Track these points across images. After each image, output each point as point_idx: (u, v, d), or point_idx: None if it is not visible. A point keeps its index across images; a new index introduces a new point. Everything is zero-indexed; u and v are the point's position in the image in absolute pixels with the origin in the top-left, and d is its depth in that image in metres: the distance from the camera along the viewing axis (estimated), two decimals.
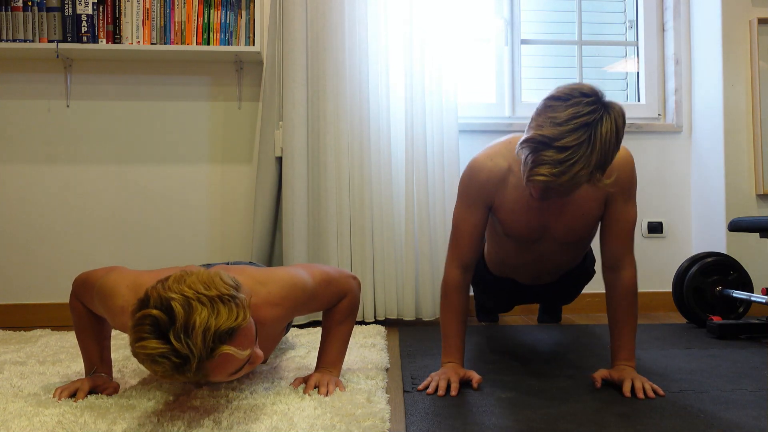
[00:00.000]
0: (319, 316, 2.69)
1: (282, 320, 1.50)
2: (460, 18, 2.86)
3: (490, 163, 1.65)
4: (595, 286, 2.09)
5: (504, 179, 1.65)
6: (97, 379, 1.55)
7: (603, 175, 1.39)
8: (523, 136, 1.39)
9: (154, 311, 1.12)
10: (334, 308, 1.64)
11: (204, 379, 1.19)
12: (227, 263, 1.70)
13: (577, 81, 1.45)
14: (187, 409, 1.42)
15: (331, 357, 1.64)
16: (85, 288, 1.53)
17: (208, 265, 1.62)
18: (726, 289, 2.51)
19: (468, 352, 2.06)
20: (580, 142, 1.31)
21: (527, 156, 1.37)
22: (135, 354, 1.14)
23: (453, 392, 1.56)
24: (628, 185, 1.64)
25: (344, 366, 1.77)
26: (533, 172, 1.35)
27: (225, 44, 2.70)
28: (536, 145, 1.34)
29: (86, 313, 1.57)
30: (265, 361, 1.84)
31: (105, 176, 2.84)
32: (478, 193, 1.67)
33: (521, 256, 1.92)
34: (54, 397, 1.51)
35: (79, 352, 2.04)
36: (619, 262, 1.66)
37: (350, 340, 1.85)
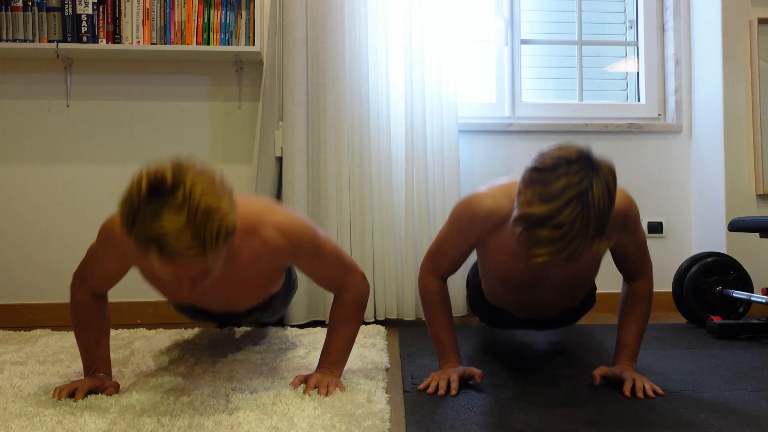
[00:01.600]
0: (320, 315, 2.69)
1: (283, 255, 1.51)
2: (460, 18, 2.86)
3: (491, 202, 1.58)
4: (596, 285, 2.09)
5: (502, 223, 1.58)
6: (97, 379, 1.55)
7: (602, 239, 1.32)
8: (515, 212, 1.33)
9: (170, 175, 1.17)
10: (340, 300, 1.64)
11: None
12: None
13: (565, 143, 1.34)
14: (187, 409, 1.42)
15: (333, 357, 1.63)
16: (83, 266, 1.57)
17: None
18: (726, 289, 2.51)
19: (467, 352, 2.06)
20: (575, 216, 1.24)
21: (521, 233, 1.31)
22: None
23: (453, 392, 1.56)
24: (632, 227, 1.62)
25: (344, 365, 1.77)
26: (532, 253, 1.30)
27: (225, 44, 2.70)
28: (529, 224, 1.28)
29: (89, 303, 1.58)
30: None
31: (105, 176, 2.84)
32: (472, 228, 1.62)
33: (515, 299, 1.86)
34: (53, 397, 1.51)
35: (79, 352, 2.04)
36: (636, 275, 1.70)
37: None
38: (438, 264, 1.71)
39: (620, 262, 1.70)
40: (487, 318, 2.17)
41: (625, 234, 1.61)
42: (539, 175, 1.30)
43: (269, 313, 2.01)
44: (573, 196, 1.25)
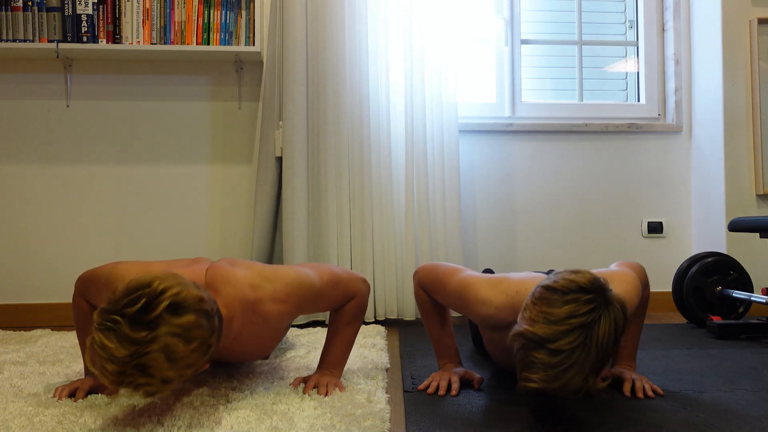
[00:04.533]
0: (320, 316, 2.69)
1: (286, 317, 1.50)
2: (460, 18, 2.86)
3: (493, 311, 1.50)
4: None
5: (502, 328, 1.54)
6: (97, 379, 1.55)
7: (597, 378, 1.24)
8: (516, 327, 1.27)
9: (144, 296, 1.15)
10: (342, 309, 1.63)
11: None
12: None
13: (582, 269, 1.27)
14: (187, 409, 1.42)
15: (333, 357, 1.63)
16: (91, 282, 1.53)
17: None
18: (726, 289, 2.51)
19: (466, 352, 2.06)
20: (575, 346, 1.18)
21: (518, 351, 1.26)
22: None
23: (453, 392, 1.56)
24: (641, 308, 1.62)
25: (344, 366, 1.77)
26: (524, 376, 1.23)
27: (225, 44, 2.70)
28: (527, 342, 1.23)
29: (90, 311, 1.57)
30: (266, 358, 1.84)
31: (105, 176, 2.84)
32: (465, 314, 1.58)
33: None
34: (54, 396, 1.51)
35: (79, 352, 2.04)
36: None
37: None
38: (430, 292, 1.68)
39: None
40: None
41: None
42: (549, 294, 1.24)
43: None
44: (577, 326, 1.19)
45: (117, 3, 2.67)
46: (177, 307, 1.17)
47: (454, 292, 1.58)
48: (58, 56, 2.72)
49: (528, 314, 1.26)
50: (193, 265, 1.49)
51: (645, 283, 1.67)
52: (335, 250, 2.65)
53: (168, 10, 2.68)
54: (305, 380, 1.59)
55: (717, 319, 2.38)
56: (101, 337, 1.14)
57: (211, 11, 2.70)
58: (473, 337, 2.08)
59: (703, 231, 2.98)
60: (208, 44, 2.69)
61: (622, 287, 1.46)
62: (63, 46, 2.63)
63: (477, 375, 1.63)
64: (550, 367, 1.19)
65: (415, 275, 1.71)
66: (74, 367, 1.87)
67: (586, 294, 1.22)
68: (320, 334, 2.37)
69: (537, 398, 1.54)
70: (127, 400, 1.49)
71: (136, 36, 2.67)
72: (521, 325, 1.25)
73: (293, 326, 2.56)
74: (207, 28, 2.69)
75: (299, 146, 2.66)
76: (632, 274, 1.54)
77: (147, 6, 2.67)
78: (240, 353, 1.58)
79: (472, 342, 2.13)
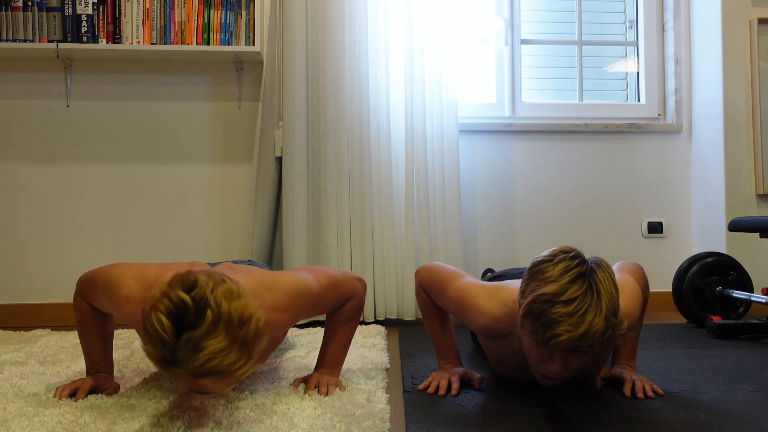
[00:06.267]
0: (320, 316, 2.69)
1: (286, 325, 1.50)
2: (460, 18, 2.86)
3: (490, 321, 1.51)
4: None
5: (500, 337, 1.54)
6: (98, 379, 1.55)
7: (616, 319, 1.27)
8: (523, 308, 1.28)
9: (189, 300, 1.11)
10: (339, 309, 1.64)
11: (174, 378, 1.18)
12: (233, 262, 1.70)
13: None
14: (187, 409, 1.42)
15: (332, 357, 1.63)
16: (90, 284, 1.53)
17: (211, 264, 1.62)
18: (726, 289, 2.51)
19: (466, 353, 2.06)
20: (583, 291, 1.23)
21: (535, 322, 1.26)
22: (144, 312, 1.14)
23: (453, 392, 1.56)
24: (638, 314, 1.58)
25: (344, 366, 1.77)
26: (550, 335, 1.23)
27: (225, 44, 2.70)
28: (541, 305, 1.24)
29: (91, 311, 1.57)
30: (265, 362, 1.84)
31: (105, 176, 2.84)
32: (464, 321, 1.58)
33: (521, 378, 1.76)
34: (54, 396, 1.51)
35: (80, 352, 2.04)
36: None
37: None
38: (431, 294, 1.68)
39: None
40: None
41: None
42: (539, 266, 1.30)
43: None
44: (576, 275, 1.25)
45: (117, 3, 2.67)
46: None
47: (452, 299, 1.59)
48: (58, 56, 2.72)
49: (528, 292, 1.30)
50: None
51: (645, 285, 1.67)
52: (335, 250, 2.65)
53: (168, 10, 2.68)
54: (305, 380, 1.59)
55: (717, 319, 2.38)
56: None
57: (211, 11, 2.70)
58: (473, 337, 2.08)
59: (703, 231, 2.98)
60: (208, 44, 2.69)
61: (624, 298, 1.44)
62: (63, 46, 2.63)
63: (477, 375, 1.63)
64: (569, 315, 1.23)
65: (417, 275, 1.72)
66: (74, 367, 1.87)
67: (570, 253, 1.30)
68: (320, 334, 2.37)
69: (540, 396, 1.54)
70: (127, 400, 1.49)
71: (136, 36, 2.67)
72: (527, 299, 1.28)
73: (294, 326, 2.56)
74: (207, 28, 2.69)
75: (299, 146, 2.66)
76: (633, 283, 1.53)
77: (147, 6, 2.67)
78: None
79: (472, 341, 2.13)
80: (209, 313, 1.11)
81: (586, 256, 1.32)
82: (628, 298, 1.48)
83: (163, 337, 1.10)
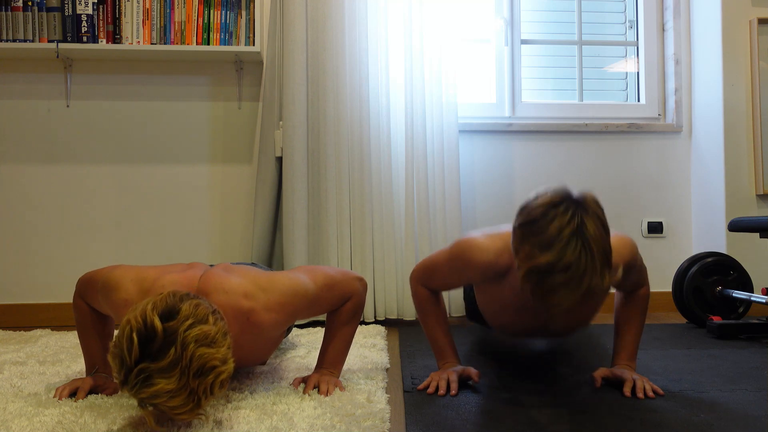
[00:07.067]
0: (320, 316, 2.69)
1: (281, 325, 1.50)
2: (460, 18, 2.86)
3: (491, 257, 1.54)
4: None
5: (501, 276, 1.57)
6: (98, 379, 1.55)
7: (611, 270, 1.32)
8: (521, 272, 1.31)
9: (160, 331, 1.13)
10: (339, 309, 1.63)
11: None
12: (232, 264, 1.70)
13: (542, 189, 1.37)
14: None
15: (332, 357, 1.63)
16: (89, 285, 1.54)
17: (211, 265, 1.62)
18: (726, 289, 2.51)
19: (465, 352, 2.06)
20: (579, 253, 1.26)
21: (534, 288, 1.30)
22: (127, 316, 1.16)
23: (453, 392, 1.56)
24: (636, 265, 1.61)
25: (344, 366, 1.77)
26: (551, 303, 1.29)
27: (225, 44, 2.70)
28: (540, 275, 1.28)
29: (90, 312, 1.58)
30: (264, 363, 1.84)
31: (105, 176, 2.84)
32: (466, 272, 1.60)
33: (517, 333, 1.82)
34: (54, 396, 1.51)
35: (80, 352, 2.04)
36: (636, 289, 1.69)
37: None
38: (429, 281, 1.69)
39: (622, 287, 1.69)
40: (486, 327, 2.16)
41: (631, 272, 1.61)
42: (530, 227, 1.31)
43: None
44: (570, 235, 1.26)
45: (117, 3, 2.67)
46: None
47: (452, 257, 1.60)
48: (58, 56, 2.72)
49: (522, 254, 1.32)
50: (188, 271, 1.49)
51: (645, 280, 1.68)
52: (335, 250, 2.65)
53: (168, 10, 2.68)
54: (305, 380, 1.59)
55: (717, 319, 2.38)
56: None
57: (211, 11, 2.70)
58: (468, 310, 2.10)
59: (703, 231, 2.98)
60: (208, 44, 2.69)
61: (614, 241, 1.50)
62: (63, 46, 2.63)
63: (474, 370, 1.64)
64: (567, 281, 1.26)
65: (411, 276, 1.73)
66: (74, 367, 1.87)
67: (559, 206, 1.29)
68: (320, 334, 2.37)
69: (538, 398, 1.55)
70: (127, 400, 1.49)
71: (136, 36, 2.68)
72: (523, 266, 1.31)
73: (294, 326, 2.56)
74: (207, 28, 2.69)
75: (299, 146, 2.66)
76: (622, 239, 1.57)
77: (147, 6, 2.67)
78: (237, 359, 1.58)
79: (467, 317, 2.17)
80: (172, 351, 1.12)
81: (574, 194, 1.32)
82: (615, 241, 1.52)
83: (125, 356, 1.12)
